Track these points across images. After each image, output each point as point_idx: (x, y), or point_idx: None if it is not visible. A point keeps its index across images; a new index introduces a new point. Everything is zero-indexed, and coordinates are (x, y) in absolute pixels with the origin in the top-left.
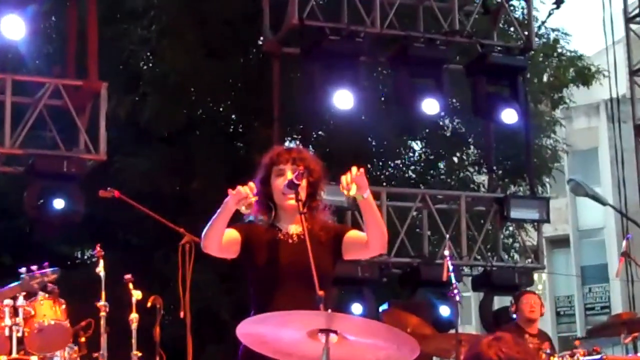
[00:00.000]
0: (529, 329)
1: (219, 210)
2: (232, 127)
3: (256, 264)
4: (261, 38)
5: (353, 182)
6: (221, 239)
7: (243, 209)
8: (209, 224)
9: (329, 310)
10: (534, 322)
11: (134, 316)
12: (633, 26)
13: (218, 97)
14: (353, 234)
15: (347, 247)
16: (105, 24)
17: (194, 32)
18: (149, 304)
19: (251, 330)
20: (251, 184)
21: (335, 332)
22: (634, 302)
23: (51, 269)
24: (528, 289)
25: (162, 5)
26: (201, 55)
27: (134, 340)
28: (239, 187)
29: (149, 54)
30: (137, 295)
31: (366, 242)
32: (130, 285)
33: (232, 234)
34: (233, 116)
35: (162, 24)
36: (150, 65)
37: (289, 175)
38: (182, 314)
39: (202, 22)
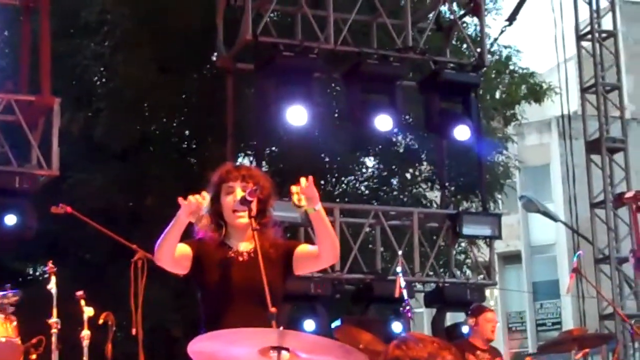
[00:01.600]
0: (482, 346)
1: (171, 223)
2: (185, 143)
3: (207, 282)
4: (215, 54)
5: (303, 194)
6: (174, 252)
7: (195, 221)
8: (162, 236)
9: (281, 328)
10: (490, 341)
11: (85, 333)
12: (584, 43)
13: (172, 113)
14: (303, 248)
15: (298, 262)
16: (59, 38)
17: (148, 48)
18: (101, 321)
19: (203, 347)
20: (204, 193)
21: (287, 349)
22: (585, 318)
23: (12, 292)
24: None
25: (116, 20)
26: (155, 71)
27: (85, 358)
28: (190, 197)
29: (102, 69)
30: (89, 312)
31: (317, 254)
32: (82, 302)
33: (184, 248)
34: (187, 132)
35: (115, 39)
36: (104, 80)
37: (239, 192)
38: (134, 331)
39: (156, 37)
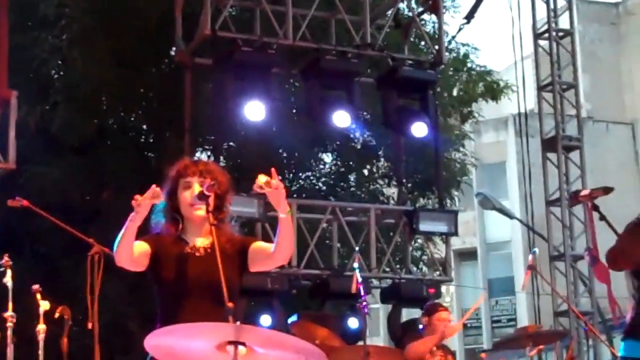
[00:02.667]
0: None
1: (126, 223)
2: (143, 137)
3: (163, 278)
4: (173, 48)
5: (271, 188)
6: (132, 252)
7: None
8: (118, 238)
9: (238, 323)
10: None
11: (41, 327)
12: (541, 42)
13: (129, 107)
14: (258, 245)
15: (253, 259)
16: (16, 31)
17: (106, 42)
18: (56, 315)
19: (160, 341)
20: (155, 188)
21: (243, 344)
22: (540, 315)
23: None
24: (436, 301)
25: (74, 14)
26: (113, 65)
27: (41, 352)
28: (138, 197)
29: (60, 62)
30: (44, 305)
31: (272, 253)
32: (38, 296)
33: (143, 246)
34: (144, 126)
35: (73, 32)
36: (61, 74)
37: (196, 187)
38: (90, 325)
39: (114, 31)
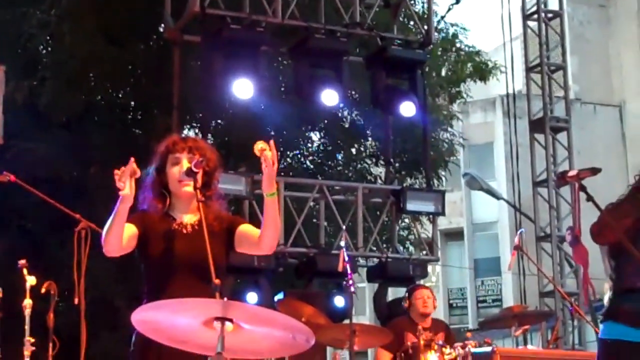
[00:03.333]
0: (422, 322)
1: (113, 213)
2: (130, 114)
3: (150, 254)
4: (162, 25)
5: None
6: (122, 241)
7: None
8: (108, 225)
9: (225, 299)
10: (427, 316)
11: (27, 302)
12: (530, 23)
13: (117, 83)
14: (245, 228)
15: (239, 242)
16: (4, 6)
17: (95, 18)
18: (43, 290)
19: (146, 317)
20: (133, 162)
21: (230, 320)
22: (525, 295)
23: None
24: (422, 281)
25: None
26: (101, 41)
27: (27, 326)
28: (117, 172)
29: (48, 38)
30: (31, 280)
31: (258, 240)
32: (25, 271)
33: (130, 229)
34: (132, 103)
35: (62, 8)
36: (50, 49)
37: (185, 163)
38: (76, 300)
39: (102, 7)
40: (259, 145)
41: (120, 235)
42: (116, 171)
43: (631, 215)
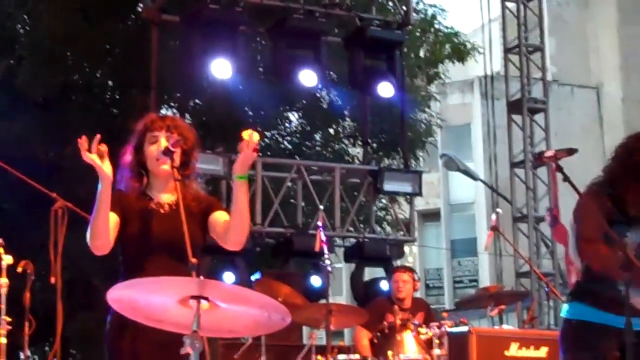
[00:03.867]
0: (401, 304)
1: (96, 205)
2: (108, 94)
3: (127, 234)
4: (140, 5)
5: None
6: (109, 237)
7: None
8: (92, 228)
9: (201, 277)
10: (402, 300)
11: (3, 281)
12: (509, 4)
13: (95, 63)
14: (219, 215)
15: (211, 227)
16: None
17: None
18: (19, 269)
19: (122, 295)
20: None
21: (206, 298)
22: (502, 276)
23: None
24: (399, 261)
25: None
26: (79, 20)
27: (3, 305)
28: (81, 142)
29: (25, 17)
30: (7, 260)
31: (224, 233)
32: (1, 250)
33: (113, 220)
34: (110, 83)
35: None
36: (27, 28)
37: (163, 142)
38: (52, 280)
39: None
40: (248, 132)
41: (107, 232)
42: (80, 141)
43: (601, 226)
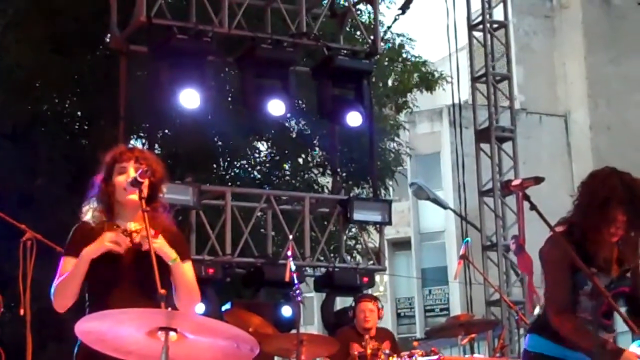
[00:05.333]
0: (366, 333)
1: (73, 272)
2: (77, 124)
3: (93, 262)
4: (108, 35)
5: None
6: (75, 298)
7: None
8: (61, 289)
9: (169, 309)
10: (369, 330)
11: None
12: (476, 33)
13: (64, 93)
14: (178, 271)
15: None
16: None
17: (41, 27)
18: None
19: (90, 327)
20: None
21: (175, 330)
22: (472, 304)
23: None
24: (370, 290)
25: None
26: (47, 51)
27: None
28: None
29: None
30: None
31: (177, 292)
32: None
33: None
34: (79, 113)
35: (8, 17)
36: None
37: (132, 172)
38: (22, 312)
39: (49, 17)
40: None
41: (75, 297)
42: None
43: (564, 276)
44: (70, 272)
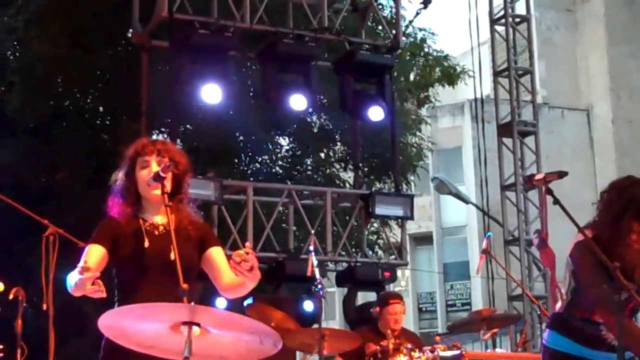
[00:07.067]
0: (391, 334)
1: (77, 282)
2: (98, 119)
3: (121, 256)
4: (130, 30)
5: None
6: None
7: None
8: (71, 287)
9: (192, 303)
10: (395, 331)
11: None
12: (498, 28)
13: (85, 89)
14: (216, 253)
15: (205, 263)
16: None
17: (62, 23)
18: (11, 296)
19: (113, 322)
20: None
21: (198, 324)
22: (494, 299)
23: None
24: (391, 285)
25: None
26: (69, 46)
27: None
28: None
29: (15, 43)
30: None
31: (222, 282)
32: None
33: (99, 253)
34: (100, 108)
35: (29, 13)
36: (17, 54)
37: (154, 166)
38: (44, 307)
39: (70, 12)
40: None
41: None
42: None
43: (603, 279)
44: (75, 284)
